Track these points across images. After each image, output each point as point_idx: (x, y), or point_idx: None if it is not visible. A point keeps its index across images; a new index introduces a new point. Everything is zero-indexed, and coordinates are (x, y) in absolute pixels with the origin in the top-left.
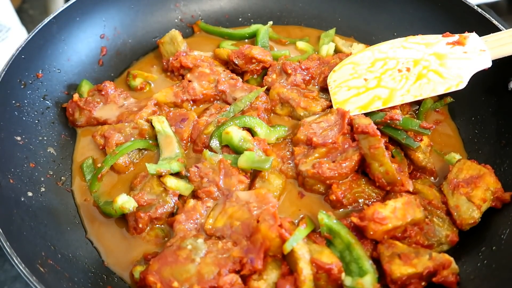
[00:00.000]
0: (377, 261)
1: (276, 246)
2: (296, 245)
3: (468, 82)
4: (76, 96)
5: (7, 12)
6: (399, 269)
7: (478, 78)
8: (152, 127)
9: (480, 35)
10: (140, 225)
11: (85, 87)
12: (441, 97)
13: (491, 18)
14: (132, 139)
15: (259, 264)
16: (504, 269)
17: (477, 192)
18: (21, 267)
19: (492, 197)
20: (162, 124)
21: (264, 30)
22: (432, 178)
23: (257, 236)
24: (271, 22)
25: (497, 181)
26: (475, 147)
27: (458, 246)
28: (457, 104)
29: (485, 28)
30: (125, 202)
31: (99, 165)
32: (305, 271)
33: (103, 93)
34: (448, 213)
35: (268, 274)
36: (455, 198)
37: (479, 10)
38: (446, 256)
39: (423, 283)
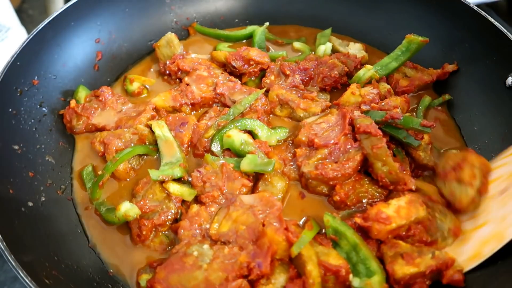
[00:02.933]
0: (380, 261)
1: (283, 249)
2: (303, 247)
3: (467, 79)
4: (73, 103)
5: (6, 12)
6: (401, 269)
7: (477, 75)
8: (152, 132)
9: (480, 35)
10: (144, 232)
11: (82, 92)
12: (439, 94)
13: (491, 18)
14: (132, 144)
15: (267, 268)
16: (510, 264)
17: (464, 173)
18: (27, 280)
19: (481, 173)
20: (162, 129)
21: (260, 32)
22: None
23: (264, 240)
24: (267, 23)
25: (480, 156)
26: (475, 144)
27: None
28: (457, 101)
29: (485, 28)
30: (128, 209)
31: (99, 172)
32: (314, 273)
33: (100, 98)
34: (449, 205)
35: (276, 278)
36: (447, 186)
37: (479, 10)
38: (449, 254)
39: (427, 282)
